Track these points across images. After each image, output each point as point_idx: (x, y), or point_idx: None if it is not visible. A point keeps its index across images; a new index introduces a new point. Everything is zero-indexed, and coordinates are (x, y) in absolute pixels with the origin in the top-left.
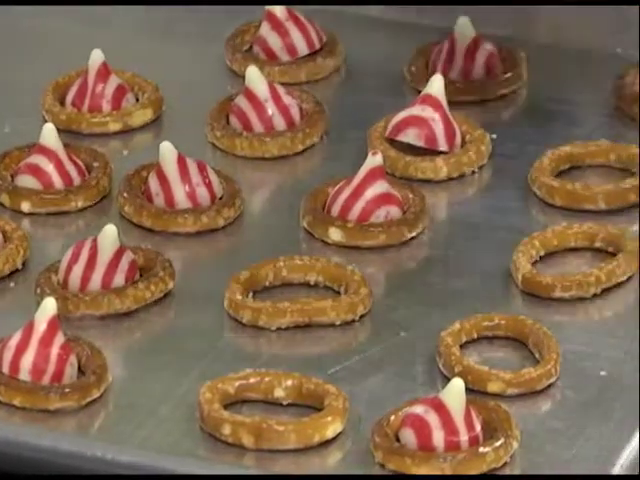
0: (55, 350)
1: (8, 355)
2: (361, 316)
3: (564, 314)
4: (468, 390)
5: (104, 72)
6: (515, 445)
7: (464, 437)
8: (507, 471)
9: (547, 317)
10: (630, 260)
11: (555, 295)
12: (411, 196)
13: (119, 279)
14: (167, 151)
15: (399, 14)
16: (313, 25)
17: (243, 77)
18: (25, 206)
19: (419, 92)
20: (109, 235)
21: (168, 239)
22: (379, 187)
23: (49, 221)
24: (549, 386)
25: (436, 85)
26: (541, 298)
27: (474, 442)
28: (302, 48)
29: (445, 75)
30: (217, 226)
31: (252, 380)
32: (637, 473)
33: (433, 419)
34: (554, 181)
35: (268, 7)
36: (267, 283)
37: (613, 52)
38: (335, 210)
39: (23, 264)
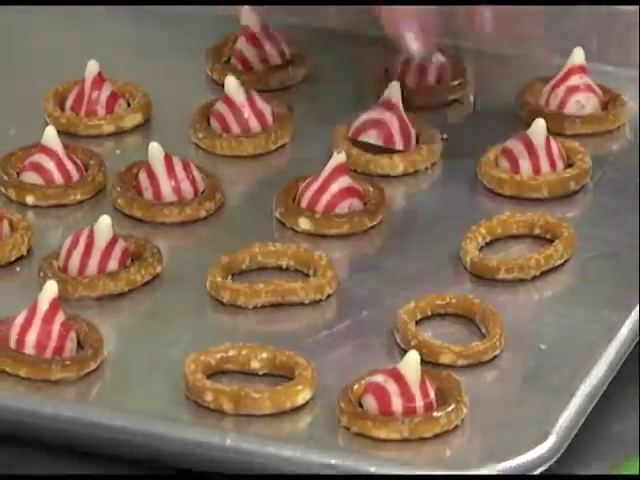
0: (56, 327)
1: (14, 332)
2: (328, 296)
3: (508, 294)
4: (423, 361)
5: (99, 81)
6: (465, 410)
7: (419, 403)
8: (458, 433)
9: (492, 296)
10: (566, 246)
11: (499, 277)
12: (371, 190)
13: (113, 264)
14: (155, 150)
15: (362, 29)
16: (284, 38)
17: (222, 85)
18: (29, 199)
19: (378, 97)
20: (104, 225)
21: (156, 228)
22: (343, 182)
23: (51, 213)
24: (494, 358)
25: (393, 91)
26: (487, 279)
27: (429, 407)
28: (274, 59)
29: (401, 82)
30: (199, 217)
31: (231, 353)
32: (573, 436)
33: (392, 387)
34: (502, 173)
35: (245, 23)
36: (244, 267)
37: (548, 60)
38: (304, 202)
39: (28, 251)
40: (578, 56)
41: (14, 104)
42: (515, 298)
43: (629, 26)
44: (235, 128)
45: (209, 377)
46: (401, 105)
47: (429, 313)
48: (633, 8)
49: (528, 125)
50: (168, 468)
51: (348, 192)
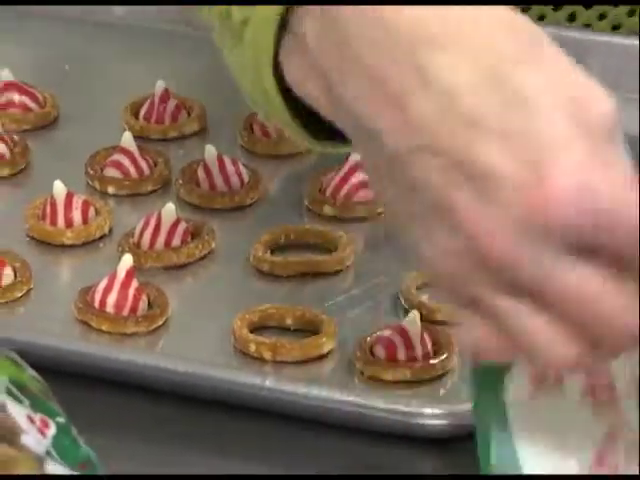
0: (131, 291)
1: (98, 296)
2: (347, 267)
3: None
4: (422, 319)
5: (165, 96)
6: (455, 359)
7: (420, 352)
8: (450, 376)
9: None
10: None
11: None
12: None
13: (176, 241)
14: (210, 151)
15: None
16: None
17: None
18: (110, 189)
19: None
20: (169, 210)
21: (211, 213)
22: (360, 176)
23: (127, 200)
24: None
25: None
26: None
27: (427, 356)
28: None
29: None
30: (245, 204)
31: (270, 312)
32: None
33: (398, 339)
34: None
35: None
36: (281, 243)
37: None
38: (328, 192)
39: (109, 231)
40: None
41: (99, 115)
42: None
43: (578, 50)
44: (273, 133)
45: (252, 331)
46: None
47: (428, 280)
48: (585, 37)
49: None
50: (221, 404)
51: (364, 184)
